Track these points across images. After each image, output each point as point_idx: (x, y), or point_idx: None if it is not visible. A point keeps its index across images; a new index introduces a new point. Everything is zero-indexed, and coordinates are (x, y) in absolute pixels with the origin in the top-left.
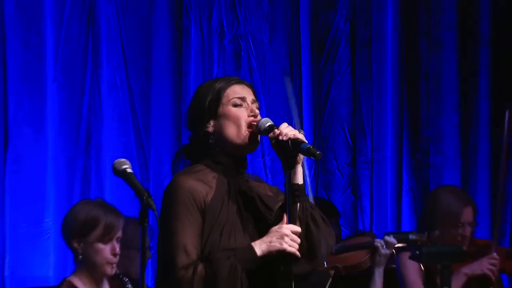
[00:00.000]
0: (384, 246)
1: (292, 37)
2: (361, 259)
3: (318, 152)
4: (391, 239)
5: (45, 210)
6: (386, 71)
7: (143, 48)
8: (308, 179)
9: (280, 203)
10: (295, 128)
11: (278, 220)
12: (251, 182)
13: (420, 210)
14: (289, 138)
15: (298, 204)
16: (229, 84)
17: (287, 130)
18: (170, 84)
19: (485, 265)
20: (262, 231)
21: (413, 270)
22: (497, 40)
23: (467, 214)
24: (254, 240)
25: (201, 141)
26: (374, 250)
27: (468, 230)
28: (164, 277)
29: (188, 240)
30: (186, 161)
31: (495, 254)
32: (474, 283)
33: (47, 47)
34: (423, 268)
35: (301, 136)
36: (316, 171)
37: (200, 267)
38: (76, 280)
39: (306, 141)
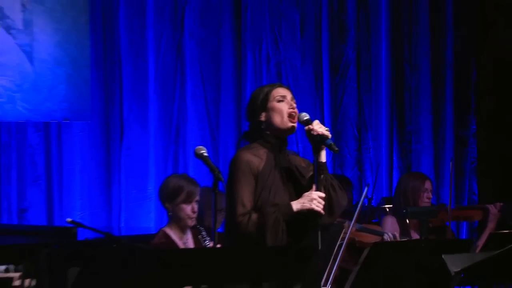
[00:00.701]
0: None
1: (317, 63)
2: (373, 241)
3: (336, 148)
4: (400, 238)
5: (148, 181)
6: (381, 86)
7: (215, 70)
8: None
9: (310, 173)
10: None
11: (309, 187)
12: (290, 156)
13: (396, 190)
14: (318, 133)
15: (322, 176)
16: (274, 87)
17: (317, 127)
18: (233, 95)
19: None
20: (297, 191)
21: (390, 225)
22: (457, 64)
23: (428, 183)
24: (292, 197)
25: (256, 127)
26: (383, 239)
27: (430, 194)
28: (229, 222)
29: (245, 196)
30: (246, 142)
31: None
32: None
33: (149, 69)
34: (398, 225)
35: (327, 133)
36: (334, 154)
37: (254, 216)
38: (168, 230)
39: (330, 136)
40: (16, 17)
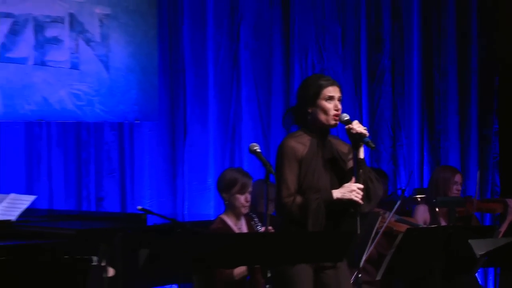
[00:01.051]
0: None
1: (356, 70)
2: None
3: (373, 145)
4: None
5: (208, 174)
6: (413, 90)
7: (266, 77)
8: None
9: (350, 158)
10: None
11: (349, 174)
12: (332, 141)
13: (429, 181)
14: (357, 132)
15: (361, 170)
16: (327, 84)
17: (356, 126)
18: (283, 98)
19: None
20: (338, 175)
21: (422, 213)
22: (481, 70)
23: (458, 177)
24: (333, 181)
25: (302, 114)
26: None
27: (459, 186)
28: (277, 203)
29: (289, 180)
30: (290, 119)
31: None
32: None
33: (209, 76)
34: (429, 213)
35: (365, 131)
36: (371, 150)
37: (298, 198)
38: (225, 217)
39: (367, 135)
40: (95, 31)
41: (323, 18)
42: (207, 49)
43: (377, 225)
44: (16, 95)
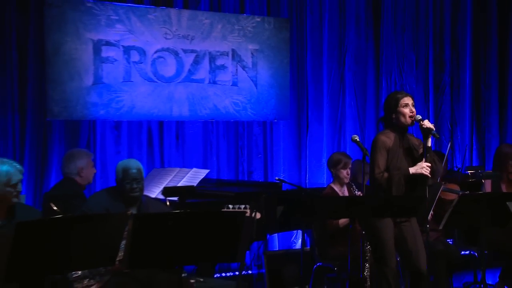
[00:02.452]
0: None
1: (426, 85)
2: (450, 197)
3: (438, 136)
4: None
5: (322, 156)
6: (465, 98)
7: (363, 90)
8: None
9: (421, 149)
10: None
11: (420, 160)
12: (409, 137)
13: (495, 152)
14: (427, 127)
15: (428, 155)
16: (402, 95)
17: (426, 123)
18: (374, 105)
19: None
20: (412, 160)
21: (488, 187)
22: None
23: None
24: (409, 164)
25: (388, 119)
26: (459, 195)
27: None
28: (371, 178)
29: (380, 162)
30: (381, 124)
31: None
32: None
33: (324, 90)
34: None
35: (432, 126)
36: (436, 141)
37: (385, 174)
38: (332, 185)
39: (434, 129)
40: (248, 60)
41: (402, 49)
42: (323, 71)
43: (439, 193)
44: (197, 103)
